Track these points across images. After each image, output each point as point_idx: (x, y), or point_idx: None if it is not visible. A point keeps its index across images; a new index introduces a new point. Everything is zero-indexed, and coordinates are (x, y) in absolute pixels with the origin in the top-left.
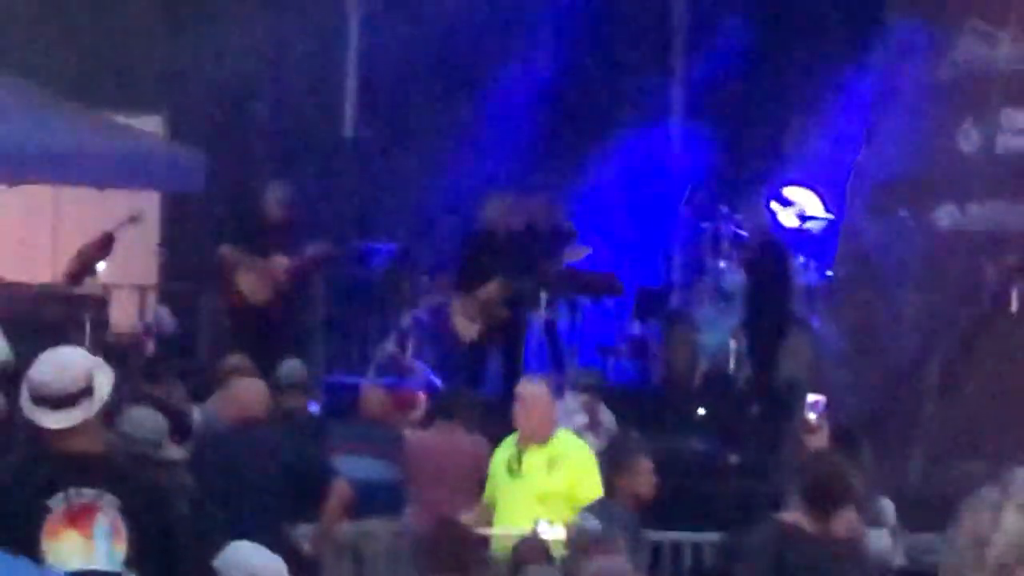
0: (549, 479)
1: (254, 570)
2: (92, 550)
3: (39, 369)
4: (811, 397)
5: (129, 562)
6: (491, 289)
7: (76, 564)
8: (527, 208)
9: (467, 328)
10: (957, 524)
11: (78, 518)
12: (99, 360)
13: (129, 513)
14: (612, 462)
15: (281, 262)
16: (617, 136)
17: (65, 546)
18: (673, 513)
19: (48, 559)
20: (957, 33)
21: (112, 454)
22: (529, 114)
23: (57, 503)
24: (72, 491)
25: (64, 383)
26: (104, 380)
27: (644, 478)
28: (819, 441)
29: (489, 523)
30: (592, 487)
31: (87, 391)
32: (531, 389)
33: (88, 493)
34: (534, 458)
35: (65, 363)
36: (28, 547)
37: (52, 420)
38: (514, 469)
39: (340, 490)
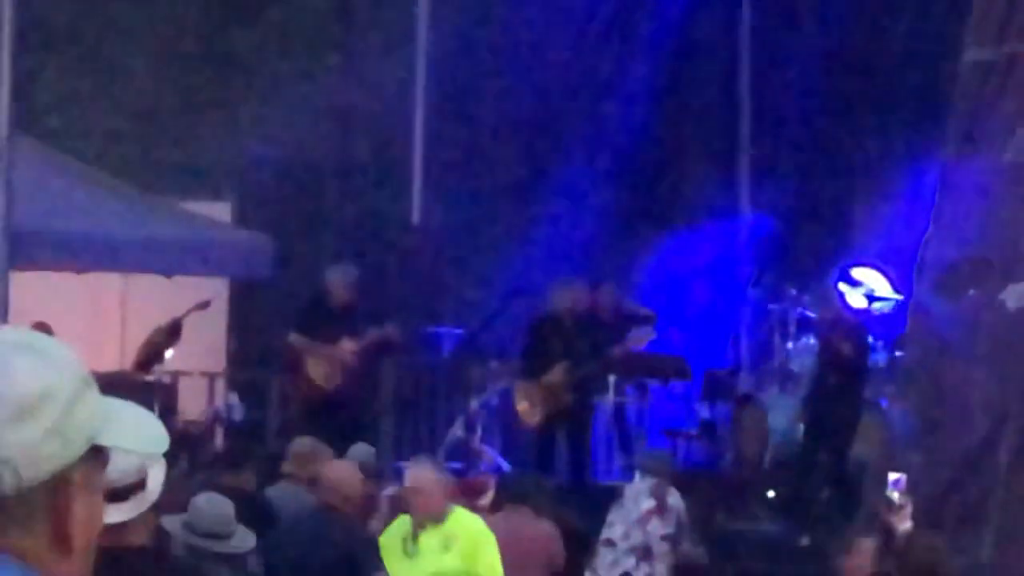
0: (444, 559)
1: None
2: None
3: None
4: (892, 476)
5: None
6: (555, 374)
7: None
8: (594, 294)
9: (529, 413)
10: None
11: None
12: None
13: None
14: (836, 544)
15: (347, 345)
16: (684, 220)
17: None
18: None
19: None
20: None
21: (166, 547)
22: (596, 199)
23: None
24: None
25: (115, 476)
26: (158, 474)
27: (868, 559)
28: (903, 520)
29: None
30: (490, 563)
31: (139, 485)
32: (420, 475)
33: None
34: (429, 538)
35: (118, 454)
36: None
37: None
38: (409, 550)
39: None
